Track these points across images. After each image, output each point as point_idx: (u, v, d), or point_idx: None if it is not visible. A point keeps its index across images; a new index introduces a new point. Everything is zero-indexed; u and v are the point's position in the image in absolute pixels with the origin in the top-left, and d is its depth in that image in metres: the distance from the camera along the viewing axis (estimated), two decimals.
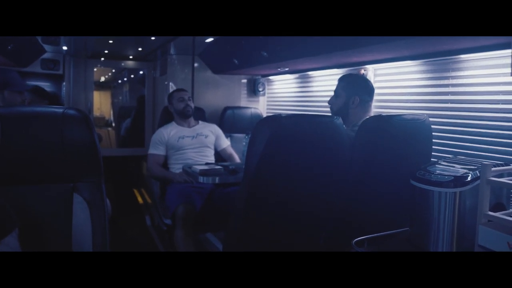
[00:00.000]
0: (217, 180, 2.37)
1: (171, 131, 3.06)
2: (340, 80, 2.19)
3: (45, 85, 4.13)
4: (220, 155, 3.22)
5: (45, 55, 3.93)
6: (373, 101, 2.60)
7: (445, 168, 1.39)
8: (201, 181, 2.36)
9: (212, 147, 3.19)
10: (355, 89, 2.12)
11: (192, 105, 3.14)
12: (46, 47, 3.76)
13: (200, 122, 3.22)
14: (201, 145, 3.09)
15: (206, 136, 3.14)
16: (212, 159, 3.11)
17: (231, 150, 3.27)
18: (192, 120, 3.17)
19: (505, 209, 1.30)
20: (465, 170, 1.34)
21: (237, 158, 3.22)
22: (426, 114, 1.94)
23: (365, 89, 2.15)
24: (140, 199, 4.36)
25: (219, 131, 3.27)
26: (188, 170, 2.54)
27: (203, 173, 2.39)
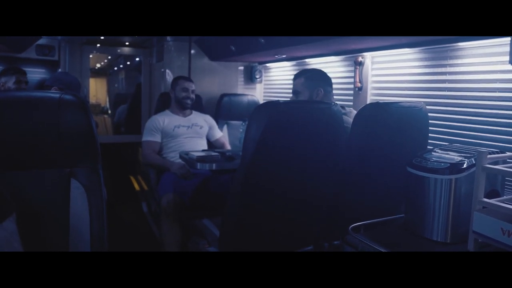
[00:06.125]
0: (214, 166, 2.38)
1: (166, 119, 3.05)
2: (297, 77, 2.19)
3: (41, 72, 4.10)
4: (213, 146, 3.23)
5: (40, 41, 3.88)
6: (371, 89, 2.63)
7: (441, 156, 1.40)
8: (198, 167, 2.36)
9: (205, 137, 3.20)
10: (317, 82, 2.14)
11: (193, 98, 3.14)
12: (41, 35, 3.71)
13: (194, 112, 3.21)
14: (195, 135, 3.10)
15: (201, 127, 3.16)
16: (205, 149, 3.11)
17: (224, 141, 3.30)
18: (187, 110, 3.17)
19: (499, 196, 1.31)
20: (461, 158, 1.35)
21: (229, 148, 3.23)
22: (423, 101, 1.94)
23: (326, 80, 2.17)
24: (136, 186, 4.37)
25: (213, 122, 3.30)
26: (185, 157, 2.54)
27: (200, 159, 2.39)
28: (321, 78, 2.17)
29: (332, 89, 2.18)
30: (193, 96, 3.13)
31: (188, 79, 3.19)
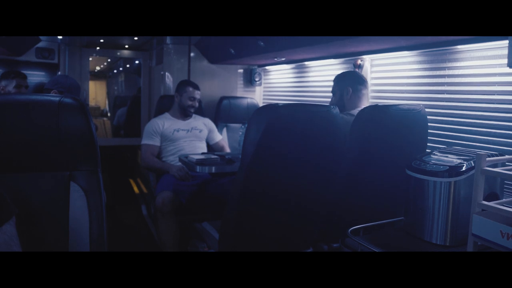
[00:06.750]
0: (213, 169, 2.38)
1: (165, 123, 3.05)
2: (334, 80, 2.37)
3: (40, 74, 4.11)
4: (212, 149, 3.23)
5: (40, 44, 3.88)
6: (370, 91, 2.63)
7: (440, 158, 1.40)
8: (198, 170, 2.37)
9: (205, 141, 3.21)
10: (346, 82, 2.30)
11: (197, 105, 3.13)
12: (41, 36, 3.72)
13: (193, 115, 3.20)
14: (195, 139, 3.11)
15: (200, 131, 3.15)
16: (205, 152, 3.12)
17: (223, 144, 3.31)
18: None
19: (498, 199, 1.31)
20: (460, 160, 1.35)
21: (228, 151, 3.23)
22: (422, 104, 1.94)
23: (355, 79, 2.31)
24: (136, 189, 4.37)
25: (212, 125, 3.30)
26: (184, 160, 2.54)
27: (200, 162, 2.39)
28: (350, 77, 2.32)
29: (363, 87, 2.28)
30: (197, 104, 3.12)
31: (196, 86, 3.12)
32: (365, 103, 2.27)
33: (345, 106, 2.26)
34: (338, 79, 2.34)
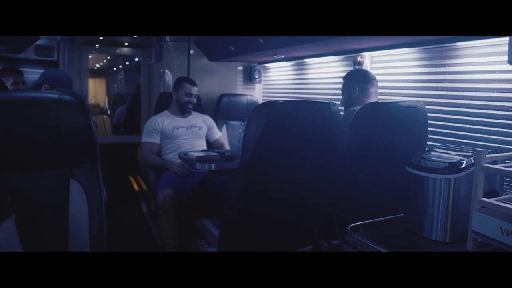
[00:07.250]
0: (213, 166, 2.38)
1: (165, 120, 3.05)
2: (343, 79, 2.38)
3: (39, 72, 4.08)
4: (212, 146, 3.23)
5: (39, 41, 3.87)
6: None
7: (440, 155, 1.40)
8: (198, 167, 2.37)
9: (204, 138, 3.21)
10: (353, 82, 2.30)
11: (195, 102, 3.14)
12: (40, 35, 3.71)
13: (193, 112, 3.20)
14: (194, 136, 3.11)
15: (200, 128, 3.16)
16: (204, 149, 3.12)
17: (223, 141, 3.31)
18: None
19: (498, 196, 1.31)
20: (460, 157, 1.35)
21: (228, 148, 3.23)
22: (422, 101, 1.94)
23: (361, 78, 2.30)
24: (136, 186, 4.37)
25: (212, 122, 3.30)
26: (184, 157, 2.54)
27: (199, 159, 2.39)
28: (356, 77, 2.32)
29: (370, 85, 2.28)
30: (195, 100, 3.13)
31: (193, 83, 3.13)
32: (373, 100, 2.27)
33: (353, 104, 2.26)
34: (346, 79, 2.35)
